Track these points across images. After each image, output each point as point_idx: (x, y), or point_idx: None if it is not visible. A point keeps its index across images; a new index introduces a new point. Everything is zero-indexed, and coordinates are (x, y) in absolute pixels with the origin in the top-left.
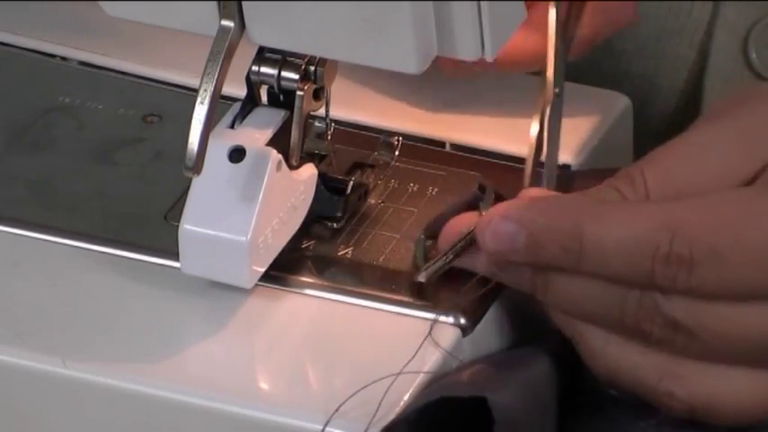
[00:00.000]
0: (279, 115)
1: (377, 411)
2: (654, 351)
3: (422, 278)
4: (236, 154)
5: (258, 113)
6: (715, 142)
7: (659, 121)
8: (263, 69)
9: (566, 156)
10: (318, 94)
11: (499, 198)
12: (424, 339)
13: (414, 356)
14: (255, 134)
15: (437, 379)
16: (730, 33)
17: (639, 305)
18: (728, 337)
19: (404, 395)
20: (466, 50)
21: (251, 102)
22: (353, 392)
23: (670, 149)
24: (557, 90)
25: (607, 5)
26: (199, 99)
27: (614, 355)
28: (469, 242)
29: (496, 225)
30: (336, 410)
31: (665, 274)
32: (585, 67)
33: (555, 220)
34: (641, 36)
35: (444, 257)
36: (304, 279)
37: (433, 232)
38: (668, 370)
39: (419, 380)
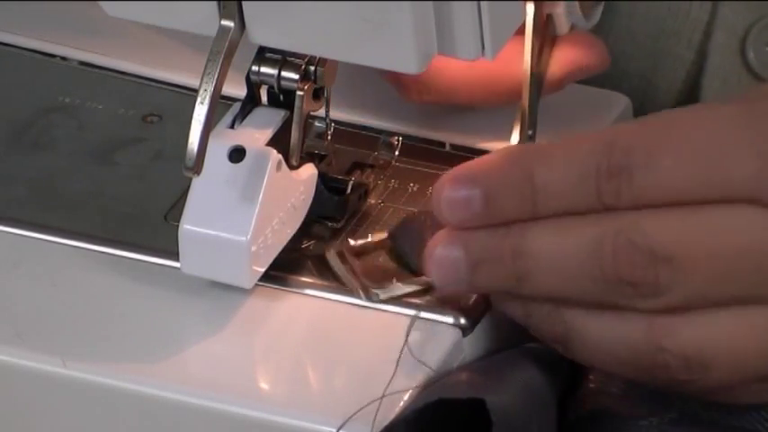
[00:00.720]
0: (279, 115)
1: (377, 412)
2: (640, 317)
3: (383, 295)
4: (236, 154)
5: (258, 113)
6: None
7: None
8: (263, 69)
9: None
10: (318, 94)
11: None
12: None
13: (412, 358)
14: (255, 134)
15: (437, 379)
16: (728, 33)
17: (614, 251)
18: (704, 249)
19: (404, 395)
20: (466, 50)
21: (251, 102)
22: (365, 397)
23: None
24: (530, 132)
25: (576, 53)
26: (199, 99)
27: (604, 334)
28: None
29: (449, 193)
30: (354, 414)
31: (609, 189)
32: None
33: (504, 169)
34: (639, 36)
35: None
36: (304, 279)
37: (395, 236)
38: (655, 326)
39: (419, 380)
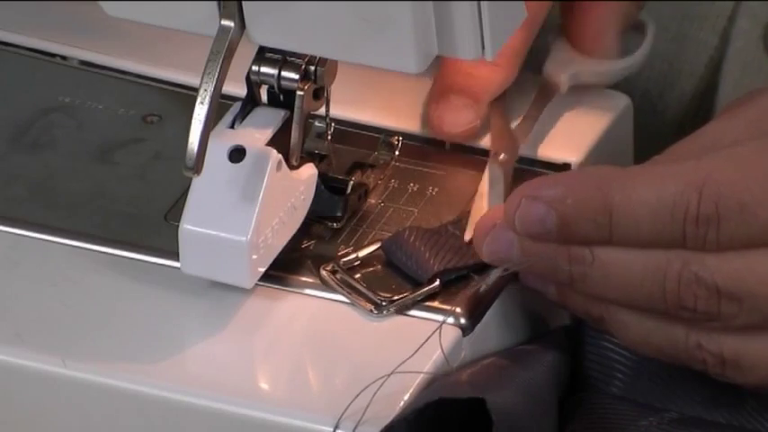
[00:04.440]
0: (279, 115)
1: (365, 410)
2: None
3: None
4: (237, 154)
5: (258, 113)
6: (730, 131)
7: (678, 104)
8: (263, 69)
9: (566, 154)
10: (318, 94)
11: None
12: (428, 338)
13: (413, 356)
14: (255, 134)
15: (437, 379)
16: (752, 21)
17: (679, 281)
18: None
19: (404, 395)
20: (466, 50)
21: (251, 102)
22: (361, 393)
23: (687, 142)
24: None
25: None
26: (199, 99)
27: (640, 324)
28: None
29: (525, 208)
30: (362, 416)
31: (695, 234)
32: None
33: (582, 195)
34: (664, 19)
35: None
36: (304, 279)
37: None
38: (696, 325)
39: (419, 380)
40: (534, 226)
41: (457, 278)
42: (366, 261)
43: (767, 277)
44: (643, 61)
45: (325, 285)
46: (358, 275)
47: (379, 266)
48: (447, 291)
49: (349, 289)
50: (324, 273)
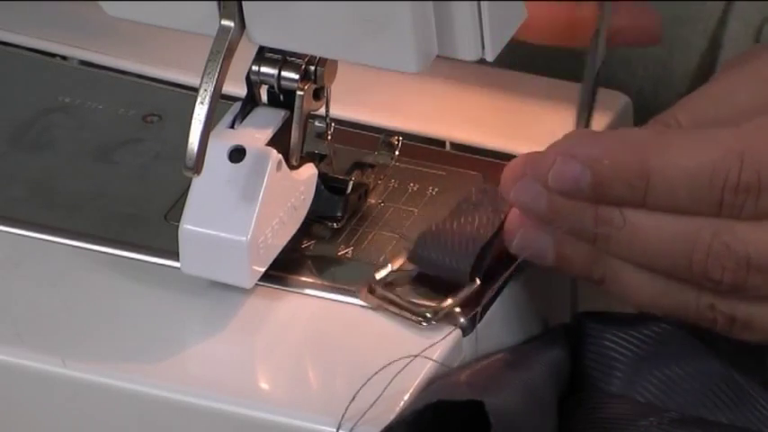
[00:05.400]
0: (279, 115)
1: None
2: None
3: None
4: (237, 154)
5: (258, 113)
6: (742, 82)
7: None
8: (263, 69)
9: None
10: (318, 94)
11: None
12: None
13: (414, 356)
14: (255, 134)
15: (437, 379)
16: (744, 23)
17: (708, 252)
18: None
19: (404, 395)
20: (466, 50)
21: (251, 102)
22: (365, 397)
23: (699, 94)
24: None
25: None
26: (199, 99)
27: (652, 284)
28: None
29: (560, 165)
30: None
31: (732, 202)
32: None
33: (620, 158)
34: None
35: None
36: (304, 279)
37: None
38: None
39: (419, 379)
40: (568, 184)
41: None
42: (396, 274)
43: None
44: None
45: (369, 306)
46: (396, 289)
47: (407, 272)
48: (447, 291)
49: (393, 305)
50: (364, 294)
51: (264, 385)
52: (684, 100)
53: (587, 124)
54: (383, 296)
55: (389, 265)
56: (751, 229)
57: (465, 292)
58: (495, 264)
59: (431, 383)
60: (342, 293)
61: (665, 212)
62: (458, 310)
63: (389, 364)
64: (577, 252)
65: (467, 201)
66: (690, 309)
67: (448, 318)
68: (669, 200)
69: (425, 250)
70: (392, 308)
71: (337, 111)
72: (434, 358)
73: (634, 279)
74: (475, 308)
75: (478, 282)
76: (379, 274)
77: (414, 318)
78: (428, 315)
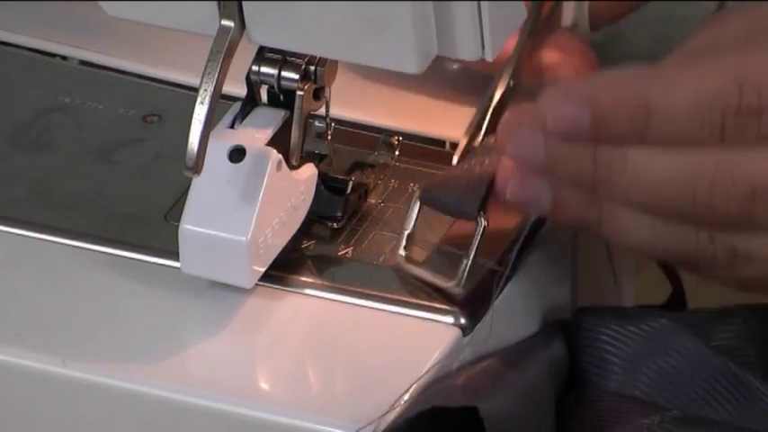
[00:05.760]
0: (279, 115)
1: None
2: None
3: (458, 289)
4: (237, 154)
5: (258, 113)
6: (723, 35)
7: None
8: (263, 69)
9: None
10: (318, 94)
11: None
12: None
13: (411, 357)
14: (255, 134)
15: (436, 380)
16: None
17: (712, 184)
18: None
19: (404, 396)
20: (466, 50)
21: (251, 102)
22: (364, 396)
23: (684, 47)
24: (511, 83)
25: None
26: (199, 99)
27: (651, 225)
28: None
29: (559, 106)
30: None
31: (734, 126)
32: (593, 49)
33: (619, 92)
34: (650, 19)
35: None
36: (304, 279)
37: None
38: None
39: (419, 380)
40: (568, 124)
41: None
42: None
43: None
44: None
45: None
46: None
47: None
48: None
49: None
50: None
51: (264, 385)
52: (676, 51)
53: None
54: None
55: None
56: (754, 156)
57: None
58: (495, 263)
59: (430, 385)
60: (342, 293)
61: (666, 148)
62: (457, 309)
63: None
64: (573, 196)
65: (473, 152)
66: (689, 246)
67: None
68: (671, 131)
69: (435, 193)
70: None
71: (337, 111)
72: (434, 358)
73: (632, 221)
74: (475, 308)
75: (484, 221)
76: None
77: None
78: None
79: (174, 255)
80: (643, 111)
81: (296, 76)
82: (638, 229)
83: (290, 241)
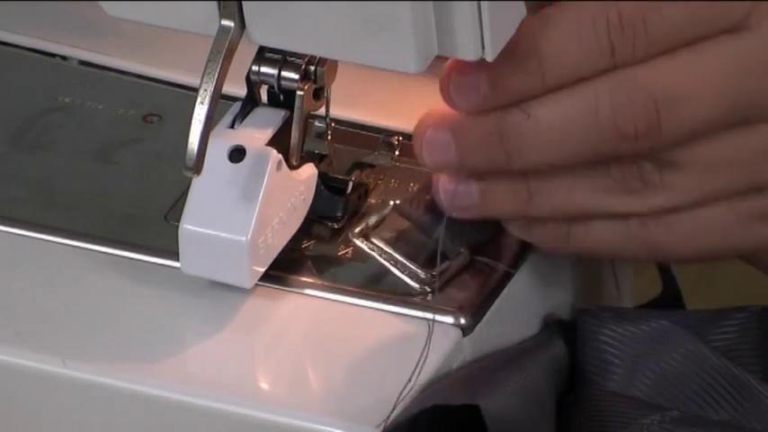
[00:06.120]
0: (279, 115)
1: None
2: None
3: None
4: (236, 154)
5: (258, 113)
6: None
7: None
8: (263, 69)
9: None
10: (318, 94)
11: None
12: (427, 343)
13: (411, 357)
14: (255, 134)
15: (436, 380)
16: None
17: (611, 107)
18: (708, 83)
19: (404, 395)
20: (466, 50)
21: (251, 102)
22: (365, 396)
23: None
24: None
25: None
26: (199, 99)
27: (576, 187)
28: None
29: (457, 79)
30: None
31: (622, 42)
32: None
33: (509, 50)
34: None
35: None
36: (304, 279)
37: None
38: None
39: (419, 380)
40: (469, 92)
41: (457, 278)
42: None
43: (699, 72)
44: None
45: (363, 254)
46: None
47: (402, 234)
48: (447, 290)
49: (385, 255)
50: (359, 240)
51: (264, 385)
52: None
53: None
54: (378, 247)
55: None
56: (647, 69)
57: (459, 261)
58: (496, 262)
59: (430, 384)
60: (342, 293)
61: (563, 91)
62: (457, 309)
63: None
64: (498, 188)
65: None
66: (618, 182)
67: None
68: (565, 68)
69: (410, 207)
70: (385, 257)
71: (337, 111)
72: (434, 358)
73: (558, 187)
74: (475, 308)
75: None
76: (372, 220)
77: (408, 278)
78: (426, 277)
79: (174, 255)
80: (533, 57)
81: (296, 76)
82: (566, 193)
83: (290, 241)
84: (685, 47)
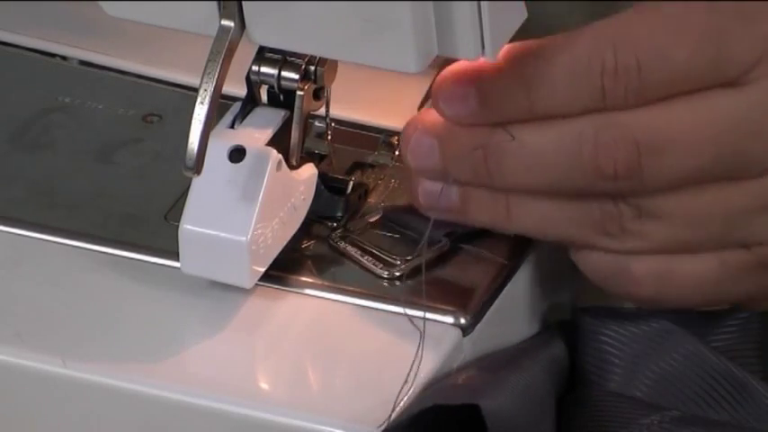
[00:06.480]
0: (279, 115)
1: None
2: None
3: (398, 272)
4: (237, 154)
5: (258, 113)
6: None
7: None
8: (263, 69)
9: None
10: (318, 94)
11: None
12: (420, 342)
13: (414, 357)
14: (255, 134)
15: (436, 380)
16: None
17: (596, 145)
18: (694, 135)
19: (404, 395)
20: (466, 50)
21: (251, 102)
22: (365, 396)
23: None
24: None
25: None
26: (199, 99)
27: (554, 210)
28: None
29: (448, 87)
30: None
31: (614, 87)
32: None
33: (500, 71)
34: None
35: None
36: (304, 279)
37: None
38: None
39: (419, 380)
40: (457, 104)
41: (457, 277)
42: (370, 230)
43: (687, 124)
44: None
45: (336, 252)
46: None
47: (383, 234)
48: (447, 290)
49: (361, 252)
50: (334, 241)
51: (264, 385)
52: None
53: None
54: (353, 242)
55: (363, 218)
56: (634, 114)
57: (434, 248)
58: (495, 262)
59: (430, 385)
60: (342, 293)
61: (551, 121)
62: (457, 308)
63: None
64: (478, 195)
65: None
66: (594, 217)
67: (413, 273)
68: (553, 101)
69: (396, 211)
70: (359, 254)
71: (337, 111)
72: (434, 358)
73: (537, 208)
74: (475, 308)
75: (447, 241)
76: (355, 224)
77: (377, 268)
78: (396, 263)
79: (174, 255)
80: (523, 85)
81: (296, 76)
82: (544, 217)
83: (290, 241)
84: (678, 96)
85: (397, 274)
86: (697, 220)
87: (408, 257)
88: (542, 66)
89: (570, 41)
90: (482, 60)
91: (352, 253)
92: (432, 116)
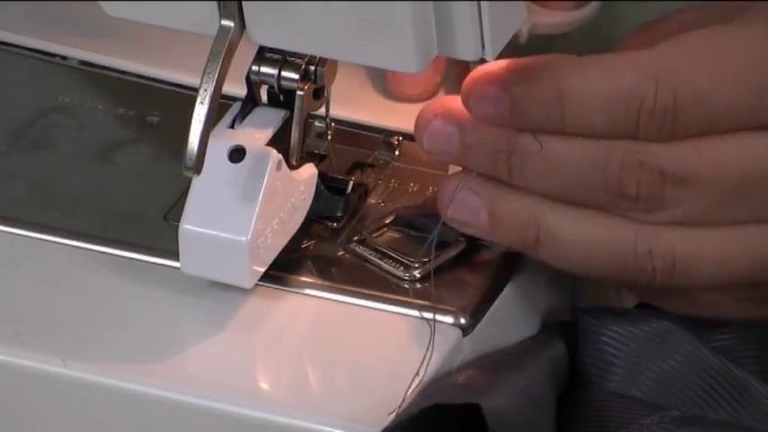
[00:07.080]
0: (279, 115)
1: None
2: (625, 221)
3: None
4: (237, 154)
5: (258, 113)
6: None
7: None
8: (263, 69)
9: None
10: (318, 94)
11: None
12: (430, 342)
13: (411, 357)
14: (255, 134)
15: (437, 380)
16: None
17: (621, 167)
18: (720, 173)
19: (404, 395)
20: (466, 50)
21: (251, 102)
22: (365, 396)
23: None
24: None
25: None
26: (199, 99)
27: (583, 233)
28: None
29: (481, 88)
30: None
31: (650, 124)
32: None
33: (536, 81)
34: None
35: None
36: (304, 279)
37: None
38: (646, 230)
39: (419, 380)
40: (488, 109)
41: (458, 277)
42: (386, 233)
43: (715, 161)
44: (597, 11)
45: (355, 256)
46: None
47: (398, 236)
48: (447, 290)
49: (379, 254)
50: (353, 245)
51: (264, 385)
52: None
53: None
54: (371, 245)
55: (380, 221)
56: (665, 147)
57: (452, 250)
58: (495, 263)
59: (430, 384)
60: (342, 293)
61: (582, 138)
62: (457, 308)
63: (425, 372)
64: (509, 209)
65: None
66: (627, 259)
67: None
68: (586, 124)
69: (407, 213)
70: (377, 259)
71: (337, 111)
72: (434, 358)
73: (567, 230)
74: (475, 308)
75: (464, 239)
76: (370, 228)
77: (396, 270)
78: (413, 264)
79: (174, 255)
80: (558, 102)
81: (296, 76)
82: (574, 239)
83: (290, 241)
84: (711, 134)
85: (417, 275)
86: (712, 255)
87: (425, 259)
88: (581, 88)
89: (612, 71)
90: (516, 65)
91: (373, 258)
92: (454, 103)
